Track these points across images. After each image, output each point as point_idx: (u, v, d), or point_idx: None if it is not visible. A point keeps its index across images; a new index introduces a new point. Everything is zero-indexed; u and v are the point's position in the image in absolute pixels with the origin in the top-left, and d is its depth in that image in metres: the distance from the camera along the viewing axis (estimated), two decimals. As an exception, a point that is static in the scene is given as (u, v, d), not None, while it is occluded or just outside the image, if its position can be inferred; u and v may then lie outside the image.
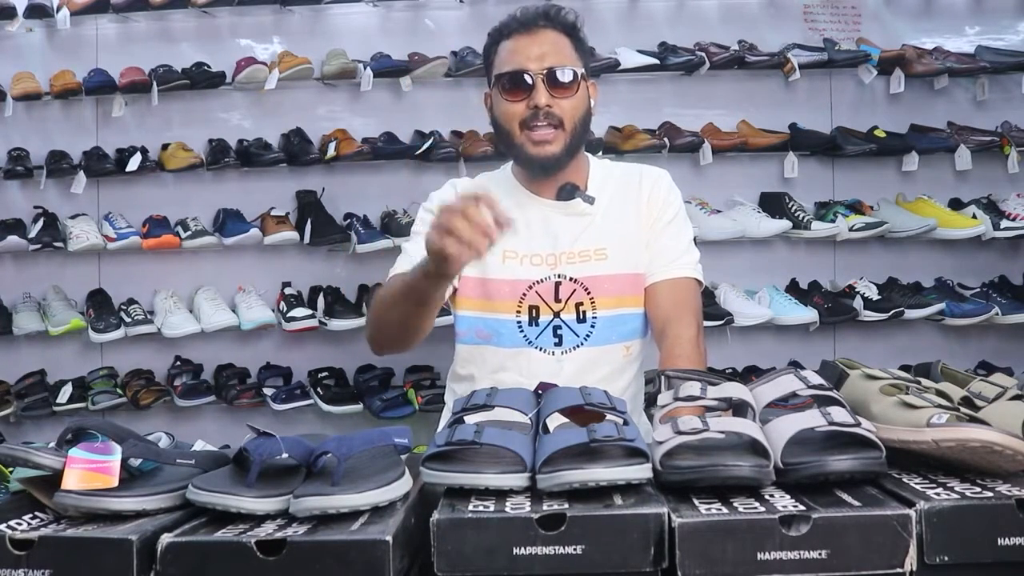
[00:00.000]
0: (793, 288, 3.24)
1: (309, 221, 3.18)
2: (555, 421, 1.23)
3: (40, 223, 3.19)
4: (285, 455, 1.13)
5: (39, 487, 1.14)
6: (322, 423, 3.17)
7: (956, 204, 3.22)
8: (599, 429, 1.08)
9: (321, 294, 3.22)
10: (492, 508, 1.01)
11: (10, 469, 1.21)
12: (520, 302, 1.87)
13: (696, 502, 1.03)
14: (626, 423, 1.13)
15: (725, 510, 1.00)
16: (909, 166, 3.21)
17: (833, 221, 3.13)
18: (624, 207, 1.91)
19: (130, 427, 1.26)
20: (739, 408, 1.21)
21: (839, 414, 1.10)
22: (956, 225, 3.12)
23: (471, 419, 1.21)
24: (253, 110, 3.34)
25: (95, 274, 3.34)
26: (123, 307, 3.22)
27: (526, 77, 1.79)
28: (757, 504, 1.01)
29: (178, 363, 3.27)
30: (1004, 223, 3.10)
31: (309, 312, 3.15)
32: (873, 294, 3.14)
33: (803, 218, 3.14)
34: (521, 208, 1.90)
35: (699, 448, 1.09)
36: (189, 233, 3.16)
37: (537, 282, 1.87)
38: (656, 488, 1.07)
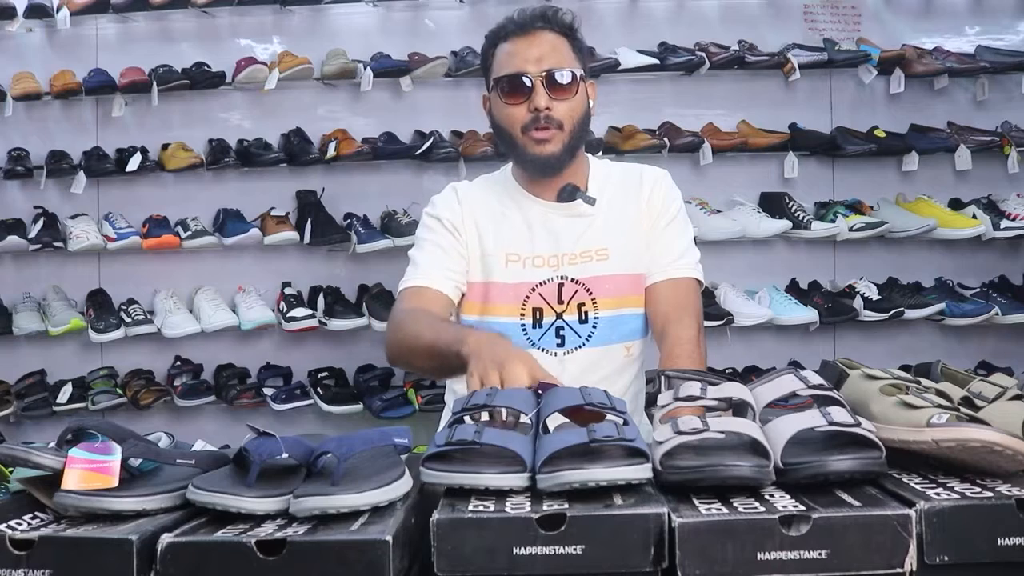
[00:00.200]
0: (793, 288, 3.24)
1: (309, 221, 3.18)
2: (555, 421, 1.23)
3: (40, 223, 3.19)
4: (285, 455, 1.12)
5: (39, 487, 1.14)
6: (322, 423, 3.18)
7: (956, 204, 3.22)
8: (599, 429, 1.08)
9: (321, 294, 3.23)
10: (492, 508, 1.01)
11: (10, 469, 1.21)
12: (524, 304, 1.86)
13: (696, 502, 1.03)
14: (626, 423, 1.13)
15: (725, 510, 1.00)
16: (909, 166, 3.22)
17: (833, 221, 3.13)
18: (625, 207, 1.90)
19: (130, 427, 1.26)
20: (739, 408, 1.21)
21: (839, 414, 1.10)
22: (956, 225, 3.12)
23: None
24: (253, 110, 3.34)
25: (95, 274, 3.34)
26: (123, 307, 3.22)
27: (525, 80, 1.78)
28: (757, 504, 1.01)
29: (178, 363, 3.27)
30: (1004, 223, 3.10)
31: (309, 312, 3.16)
32: (873, 294, 3.15)
33: (803, 218, 3.14)
34: (522, 210, 1.90)
35: (699, 448, 1.09)
36: (189, 233, 3.16)
37: (540, 284, 1.87)
38: (656, 488, 1.07)
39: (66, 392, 3.16)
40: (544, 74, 1.78)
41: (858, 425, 1.09)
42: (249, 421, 1.24)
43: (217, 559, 0.98)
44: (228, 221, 3.20)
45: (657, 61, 3.17)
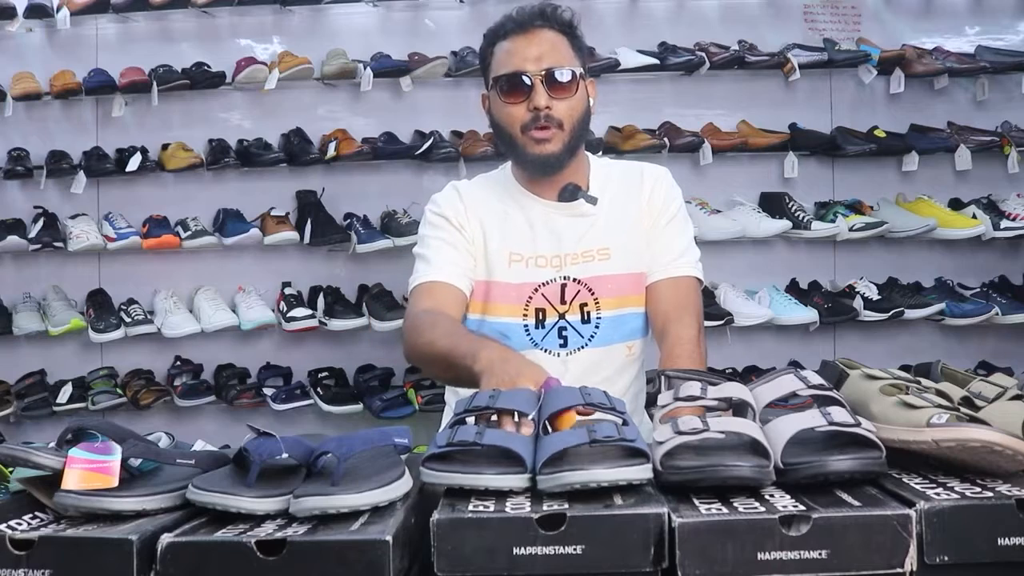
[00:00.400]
0: (793, 288, 3.24)
1: (309, 221, 3.18)
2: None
3: (40, 223, 3.19)
4: (285, 455, 1.12)
5: (39, 487, 1.14)
6: (322, 423, 3.17)
7: (956, 204, 3.22)
8: (599, 429, 1.08)
9: (321, 294, 3.22)
10: (492, 508, 1.01)
11: (10, 469, 1.21)
12: (527, 305, 1.86)
13: (696, 502, 1.03)
14: (625, 423, 1.13)
15: (725, 510, 1.00)
16: (909, 166, 3.22)
17: (833, 221, 3.13)
18: (626, 206, 1.90)
19: (130, 427, 1.26)
20: (739, 408, 1.21)
21: (839, 414, 1.10)
22: (956, 225, 3.12)
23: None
24: (253, 110, 3.34)
25: (95, 274, 3.34)
26: (123, 307, 3.22)
27: (524, 79, 1.77)
28: (757, 504, 1.01)
29: (178, 363, 3.27)
30: (1004, 223, 3.10)
31: (309, 312, 3.15)
32: (873, 294, 3.14)
33: (803, 218, 3.14)
34: (524, 209, 1.89)
35: (699, 448, 1.09)
36: (189, 233, 3.16)
37: (543, 284, 1.86)
38: (656, 488, 1.07)
39: (66, 392, 3.16)
40: (543, 73, 1.77)
41: (858, 425, 1.09)
42: (249, 421, 1.24)
43: (217, 559, 0.98)
44: (228, 221, 3.20)
45: (657, 61, 3.17)
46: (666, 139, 3.16)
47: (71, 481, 1.09)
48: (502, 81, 1.80)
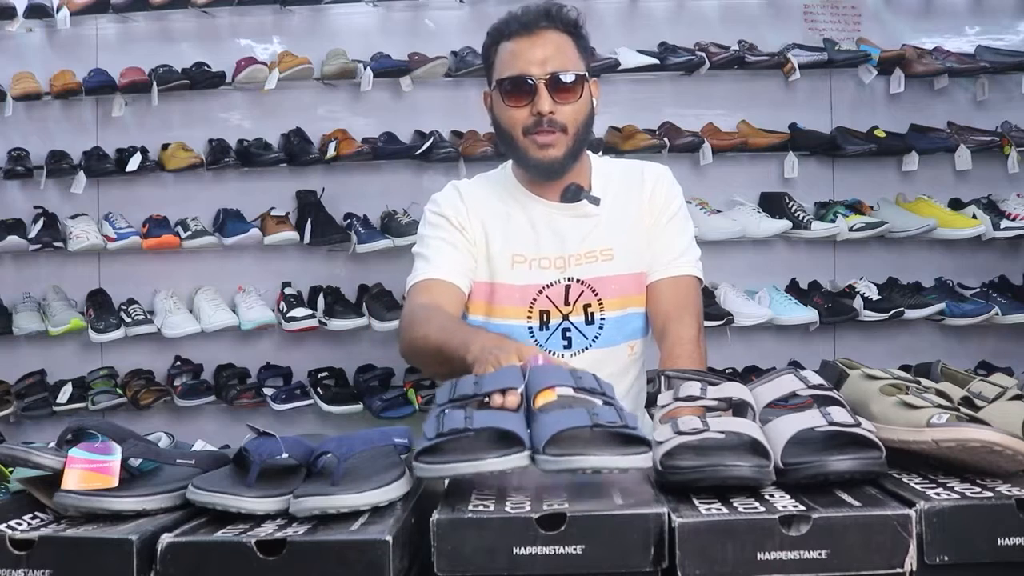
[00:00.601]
0: (793, 288, 3.24)
1: (309, 221, 3.18)
2: (544, 398, 1.19)
3: (40, 223, 3.19)
4: (285, 455, 1.13)
5: (39, 487, 1.14)
6: (322, 423, 3.17)
7: (956, 204, 3.22)
8: (601, 413, 1.06)
9: (321, 294, 3.22)
10: (492, 508, 1.01)
11: (10, 469, 1.21)
12: (531, 307, 1.86)
13: (696, 502, 1.03)
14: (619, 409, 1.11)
15: (725, 510, 1.00)
16: (909, 166, 3.21)
17: (833, 221, 3.13)
18: (627, 206, 1.89)
19: (130, 427, 1.26)
20: (739, 408, 1.21)
21: (839, 414, 1.10)
22: (956, 225, 3.12)
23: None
24: (253, 110, 3.34)
25: (95, 274, 3.34)
26: (123, 307, 3.22)
27: (528, 82, 1.76)
28: (757, 504, 1.01)
29: (178, 363, 3.27)
30: (1004, 223, 3.10)
31: (309, 312, 3.15)
32: (873, 294, 3.14)
33: (803, 218, 3.14)
34: (526, 210, 1.88)
35: (699, 448, 1.09)
36: (189, 233, 3.16)
37: (547, 286, 1.85)
38: (656, 488, 1.07)
39: (66, 392, 3.16)
40: (548, 77, 1.75)
41: (858, 425, 1.09)
42: (249, 421, 1.24)
43: (217, 559, 0.98)
44: (228, 221, 3.20)
45: (657, 61, 3.17)
46: (666, 139, 3.16)
47: (71, 481, 1.09)
48: (505, 83, 1.78)
